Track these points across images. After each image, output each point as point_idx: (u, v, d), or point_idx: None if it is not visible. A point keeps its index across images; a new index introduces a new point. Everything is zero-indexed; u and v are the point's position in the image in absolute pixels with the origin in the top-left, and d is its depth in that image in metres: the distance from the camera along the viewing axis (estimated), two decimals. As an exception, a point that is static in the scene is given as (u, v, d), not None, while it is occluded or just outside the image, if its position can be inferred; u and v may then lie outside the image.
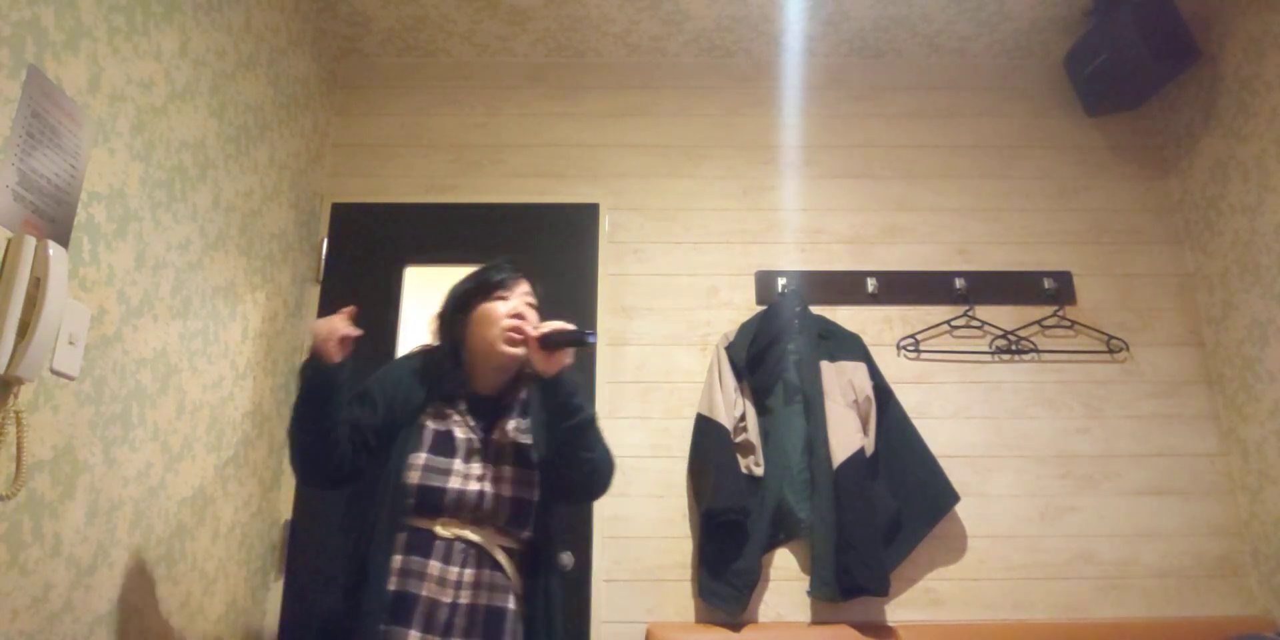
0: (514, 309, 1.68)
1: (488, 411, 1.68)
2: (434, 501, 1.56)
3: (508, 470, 1.61)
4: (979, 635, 2.25)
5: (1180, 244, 2.74)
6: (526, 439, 1.66)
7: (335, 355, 1.54)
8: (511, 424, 1.67)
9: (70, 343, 1.40)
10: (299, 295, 2.52)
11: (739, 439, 2.39)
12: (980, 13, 2.71)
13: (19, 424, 1.27)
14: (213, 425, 1.97)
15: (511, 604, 1.56)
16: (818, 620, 2.32)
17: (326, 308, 2.57)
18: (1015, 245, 2.72)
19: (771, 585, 2.36)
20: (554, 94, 2.88)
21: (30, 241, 1.29)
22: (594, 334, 1.58)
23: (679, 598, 2.35)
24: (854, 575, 2.21)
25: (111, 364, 1.55)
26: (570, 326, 1.59)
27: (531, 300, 1.75)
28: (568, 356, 1.59)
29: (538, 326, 1.62)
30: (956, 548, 2.42)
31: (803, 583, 2.36)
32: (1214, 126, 2.62)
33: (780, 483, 2.35)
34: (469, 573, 1.54)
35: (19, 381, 1.27)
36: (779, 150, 2.83)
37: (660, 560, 2.39)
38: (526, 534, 1.62)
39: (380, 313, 2.54)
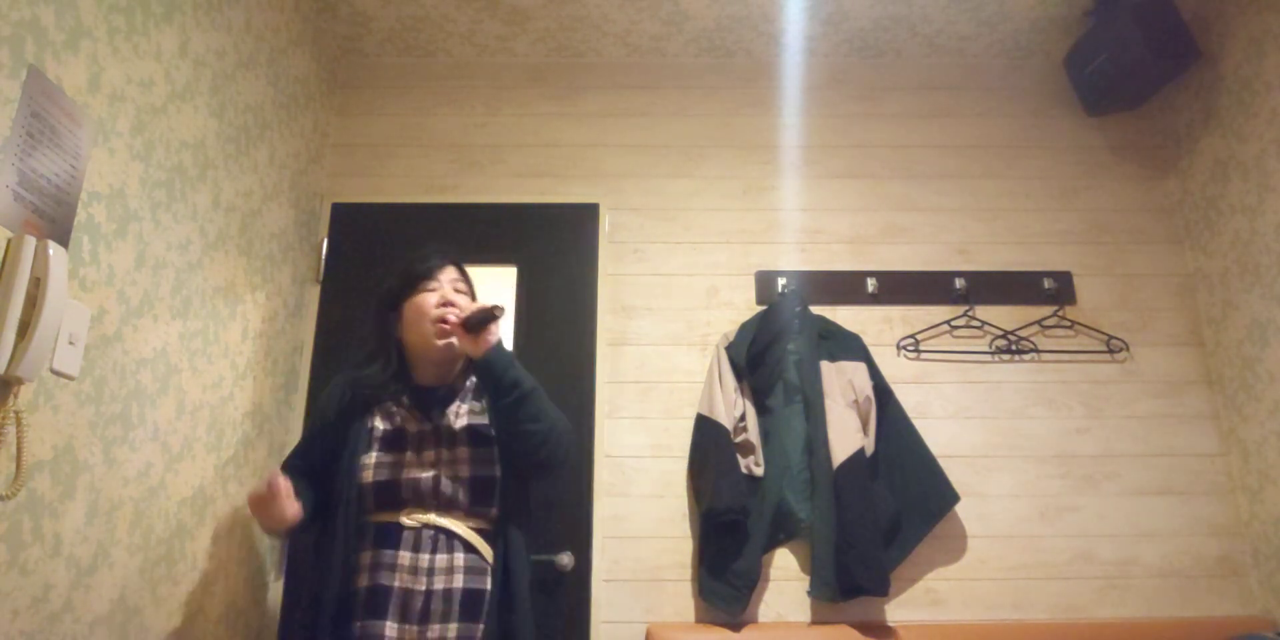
0: (442, 297, 1.68)
1: (435, 402, 1.68)
2: (391, 495, 1.57)
3: (463, 451, 1.62)
4: (979, 635, 2.25)
5: (1180, 244, 2.74)
6: (481, 419, 1.66)
7: (281, 522, 1.56)
8: (464, 409, 1.67)
9: (70, 343, 1.40)
10: (299, 295, 2.52)
11: (739, 439, 2.39)
12: (980, 13, 2.71)
13: (19, 424, 1.27)
14: (213, 425, 1.97)
15: (490, 585, 1.56)
16: (818, 620, 2.32)
17: (326, 308, 2.57)
18: (1015, 245, 2.72)
19: (771, 585, 2.36)
20: (554, 94, 2.88)
21: (30, 241, 1.29)
22: (499, 306, 1.58)
23: (679, 598, 2.35)
24: (854, 575, 2.21)
25: (111, 364, 1.55)
26: (484, 305, 1.60)
27: (461, 285, 1.74)
28: (492, 335, 1.60)
29: (459, 313, 1.62)
30: (956, 548, 2.42)
31: (803, 583, 2.36)
32: (1214, 126, 2.62)
33: (780, 483, 2.35)
34: (441, 558, 1.54)
35: (19, 381, 1.27)
36: (779, 150, 2.83)
37: (660, 560, 2.39)
38: (494, 511, 1.61)
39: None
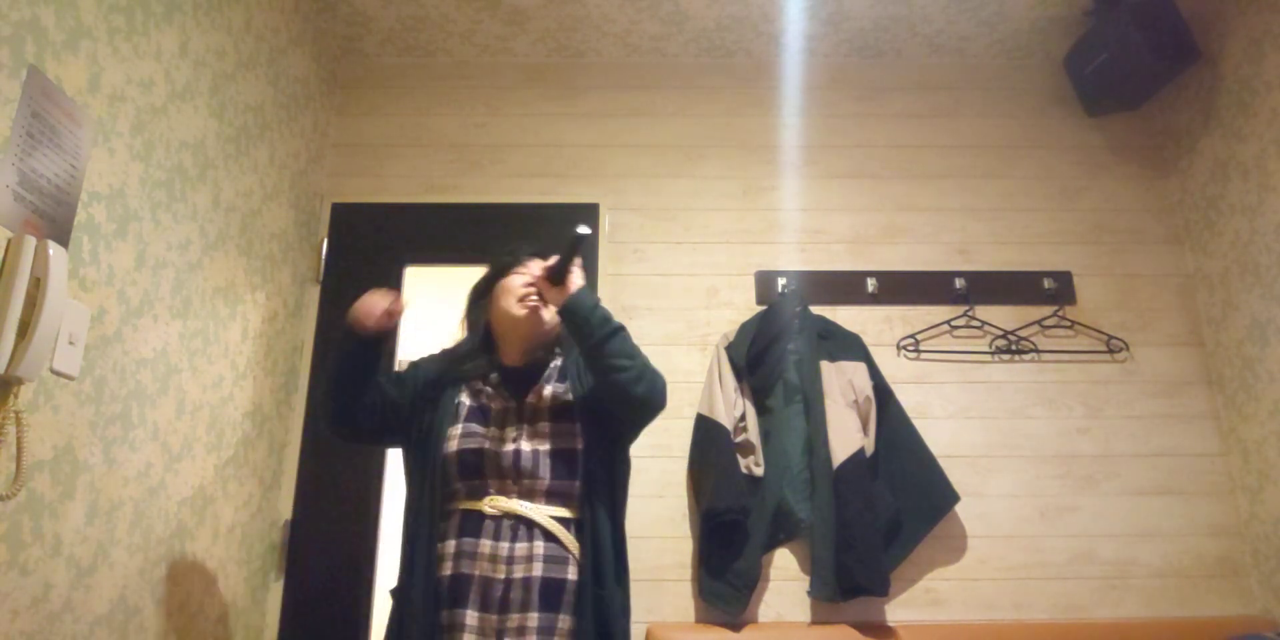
0: (529, 276, 1.71)
1: (521, 381, 1.71)
2: (474, 469, 1.58)
3: (544, 426, 1.64)
4: (979, 635, 2.25)
5: (1180, 244, 2.74)
6: (565, 396, 1.69)
7: (368, 325, 1.62)
8: (548, 389, 1.70)
9: (70, 343, 1.40)
10: (299, 295, 2.52)
11: (739, 439, 2.39)
12: (980, 13, 2.71)
13: (19, 424, 1.27)
14: (213, 425, 1.97)
15: (572, 574, 1.55)
16: (818, 620, 2.32)
17: (326, 308, 2.57)
18: (1015, 245, 2.72)
19: (771, 585, 2.36)
20: (554, 94, 2.88)
21: (30, 241, 1.29)
22: (584, 227, 1.58)
23: (679, 598, 2.35)
24: (854, 575, 2.21)
25: (111, 364, 1.55)
26: (558, 259, 1.62)
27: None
28: (578, 277, 1.62)
29: (541, 270, 1.66)
30: (956, 548, 2.42)
31: (803, 583, 2.36)
32: (1214, 126, 2.62)
33: (780, 483, 2.35)
34: (520, 547, 1.54)
35: (19, 381, 1.27)
36: (779, 150, 2.83)
37: (660, 560, 2.38)
38: (577, 487, 1.60)
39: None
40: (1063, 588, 2.38)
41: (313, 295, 2.59)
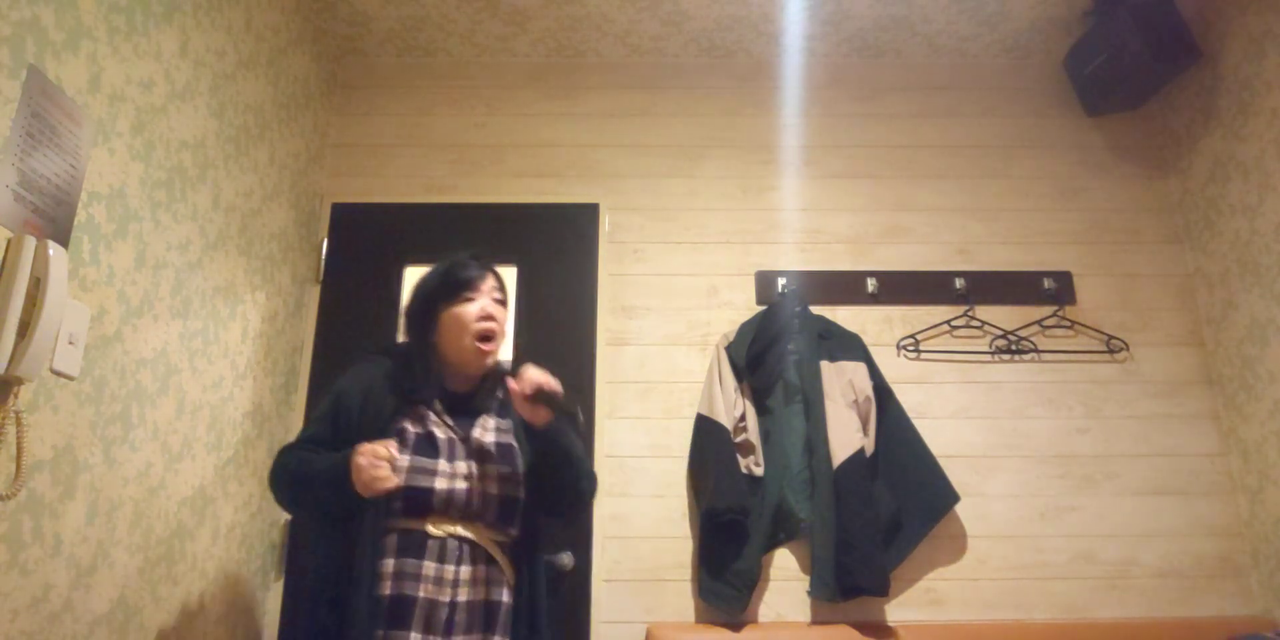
0: (482, 310, 1.67)
1: (465, 410, 1.68)
2: (423, 502, 1.56)
3: (492, 469, 1.62)
4: (979, 635, 2.25)
5: (1180, 244, 2.74)
6: (509, 439, 1.67)
7: (369, 495, 1.49)
8: (491, 423, 1.67)
9: (70, 343, 1.40)
10: (299, 295, 2.52)
11: (739, 439, 2.39)
12: (980, 13, 2.71)
13: (19, 424, 1.27)
14: (213, 425, 1.97)
15: (506, 596, 1.57)
16: (818, 620, 2.32)
17: (326, 308, 2.57)
18: (1015, 245, 2.72)
19: (771, 585, 2.36)
20: (554, 94, 2.88)
21: (30, 241, 1.29)
22: (580, 413, 1.63)
23: (679, 598, 2.35)
24: (854, 575, 2.21)
25: (111, 364, 1.55)
26: (557, 387, 1.57)
27: (499, 295, 1.73)
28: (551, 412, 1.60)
29: (530, 378, 1.57)
30: (956, 548, 2.42)
31: (803, 583, 2.36)
32: (1214, 126, 2.62)
33: (780, 483, 2.35)
34: (465, 570, 1.54)
35: (19, 381, 1.27)
36: (779, 150, 2.83)
37: (660, 560, 2.38)
38: (514, 530, 1.63)
39: (380, 313, 2.54)
40: (1063, 588, 2.38)
41: (313, 295, 2.59)
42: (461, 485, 1.58)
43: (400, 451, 1.56)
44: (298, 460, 1.60)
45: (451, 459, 1.60)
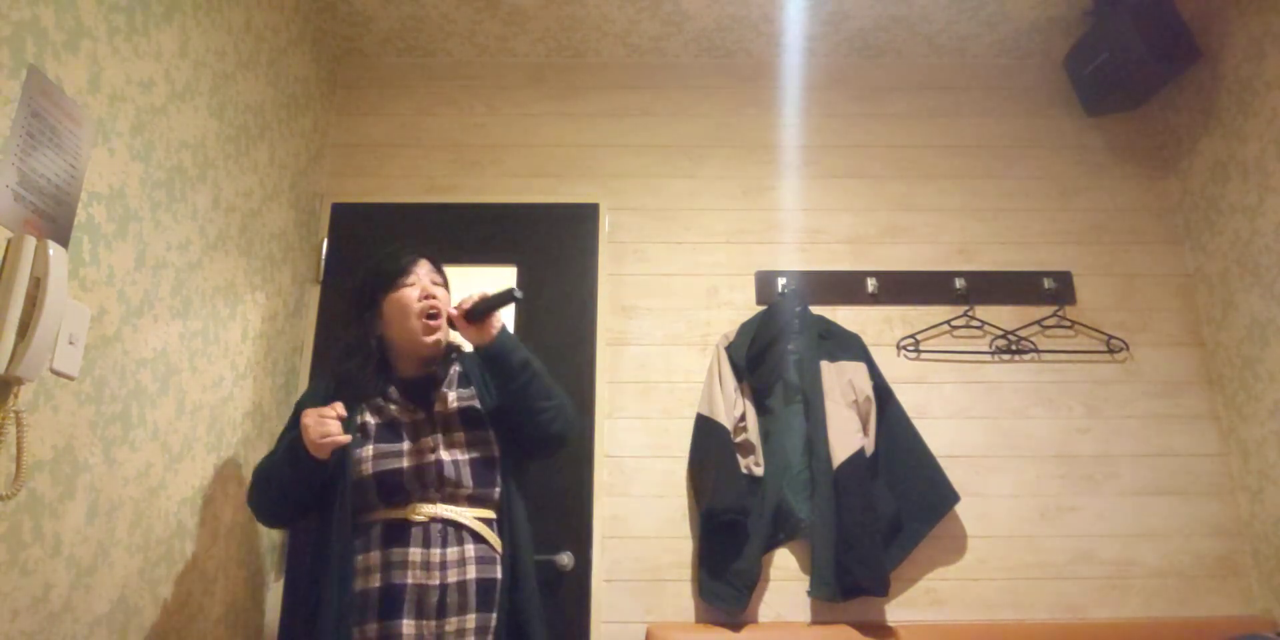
0: (423, 290, 1.69)
1: (423, 391, 1.69)
2: (395, 486, 1.56)
3: (460, 435, 1.63)
4: (979, 635, 2.25)
5: (1180, 244, 2.74)
6: (472, 402, 1.67)
7: (325, 455, 1.54)
8: (452, 396, 1.68)
9: (70, 343, 1.40)
10: (299, 295, 2.52)
11: (739, 439, 2.39)
12: (980, 13, 2.71)
13: (19, 424, 1.27)
14: (213, 425, 1.97)
15: (499, 573, 1.57)
16: (818, 620, 2.32)
17: (327, 308, 2.57)
18: (1015, 245, 2.72)
19: (771, 585, 2.36)
20: (554, 94, 2.88)
21: (30, 241, 1.29)
22: (519, 289, 1.60)
23: (679, 598, 2.35)
24: (854, 575, 2.21)
25: (111, 364, 1.55)
26: (489, 292, 1.60)
27: (437, 278, 1.76)
28: (498, 320, 1.62)
29: (458, 304, 1.63)
30: (956, 548, 2.42)
31: (803, 583, 2.36)
32: (1214, 126, 2.62)
33: (780, 483, 2.35)
34: (453, 551, 1.54)
35: (19, 381, 1.27)
36: (779, 150, 2.83)
37: (660, 560, 2.38)
38: (497, 493, 1.62)
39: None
40: (1063, 588, 2.38)
41: (313, 295, 2.59)
42: (431, 458, 1.59)
43: (364, 444, 1.59)
44: (264, 465, 1.68)
45: (416, 438, 1.62)
